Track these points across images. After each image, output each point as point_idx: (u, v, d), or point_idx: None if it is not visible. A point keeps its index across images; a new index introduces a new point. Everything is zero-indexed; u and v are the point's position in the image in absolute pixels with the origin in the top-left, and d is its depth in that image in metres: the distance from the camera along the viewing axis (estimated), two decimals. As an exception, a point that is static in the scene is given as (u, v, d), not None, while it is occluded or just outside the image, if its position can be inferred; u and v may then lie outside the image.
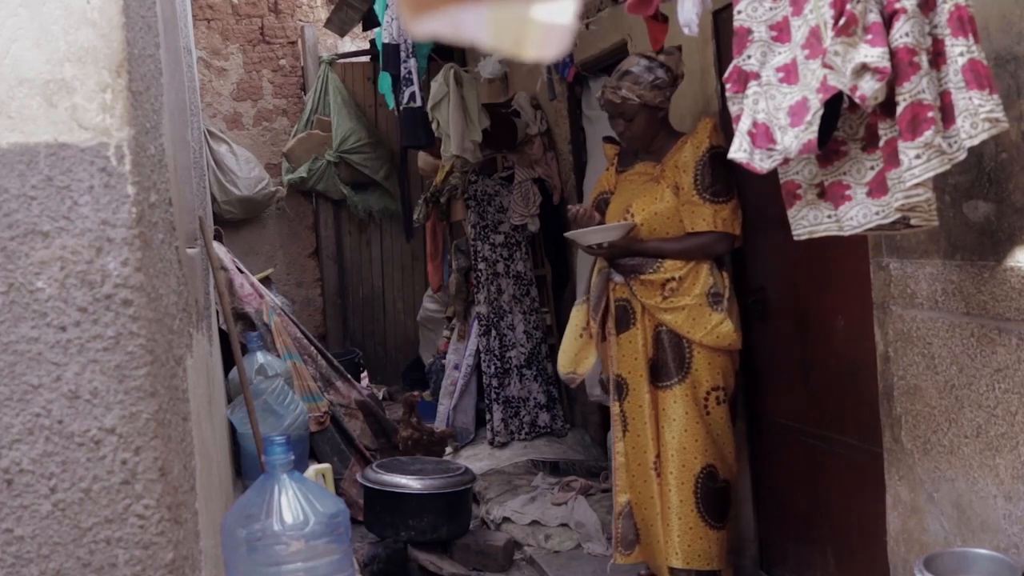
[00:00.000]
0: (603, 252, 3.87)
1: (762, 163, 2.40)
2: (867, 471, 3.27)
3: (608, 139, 4.23)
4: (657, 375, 3.83)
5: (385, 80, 5.76)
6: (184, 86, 3.70)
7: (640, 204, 3.86)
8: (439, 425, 6.29)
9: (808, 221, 2.48)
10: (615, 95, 3.84)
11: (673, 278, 3.75)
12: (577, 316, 4.05)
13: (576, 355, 4.03)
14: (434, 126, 6.08)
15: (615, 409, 3.98)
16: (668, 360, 3.79)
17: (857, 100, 2.16)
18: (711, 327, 3.72)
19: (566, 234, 3.73)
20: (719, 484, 3.82)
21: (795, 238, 2.51)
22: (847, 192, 2.38)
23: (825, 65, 2.20)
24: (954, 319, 2.66)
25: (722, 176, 3.75)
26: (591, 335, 3.99)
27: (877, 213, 2.31)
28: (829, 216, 2.43)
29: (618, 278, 3.90)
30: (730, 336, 3.75)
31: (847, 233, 2.40)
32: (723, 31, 3.85)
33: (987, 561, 2.46)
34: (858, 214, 2.36)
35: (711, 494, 3.79)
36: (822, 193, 2.45)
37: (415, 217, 7.01)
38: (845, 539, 3.53)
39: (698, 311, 3.73)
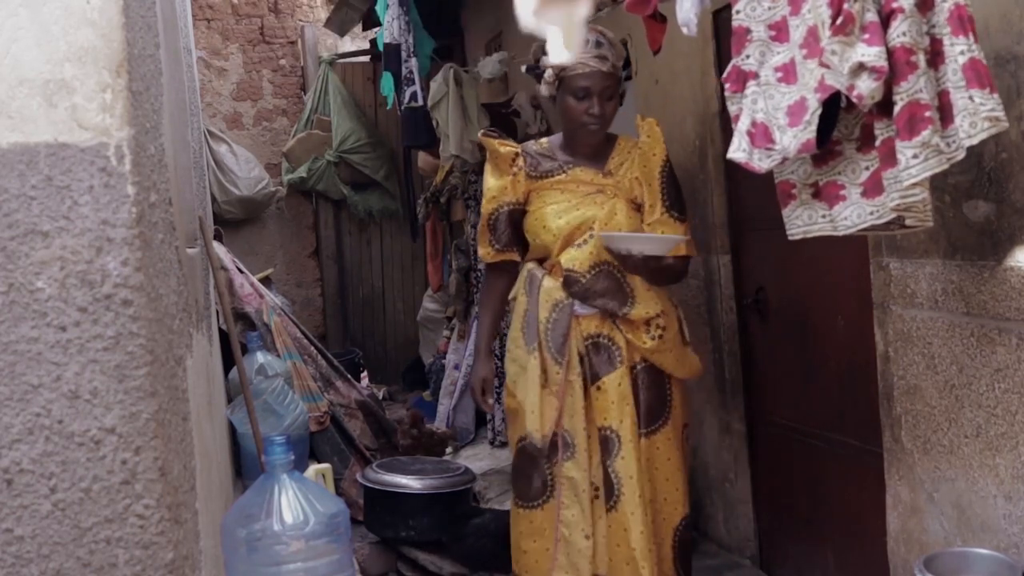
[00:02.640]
0: (635, 266, 3.13)
1: (760, 163, 2.40)
2: (867, 471, 3.27)
3: (490, 133, 3.42)
4: (644, 420, 3.21)
5: (388, 80, 5.77)
6: (184, 86, 3.70)
7: (602, 221, 3.20)
8: (439, 425, 6.29)
9: (803, 221, 2.48)
10: (604, 63, 3.16)
11: (657, 315, 3.19)
12: (534, 368, 3.16)
13: (545, 414, 3.17)
14: (435, 125, 6.09)
15: (583, 476, 3.17)
16: (652, 400, 3.22)
17: (854, 99, 2.15)
18: (688, 360, 3.32)
19: (603, 234, 3.10)
20: (689, 534, 3.46)
21: (789, 238, 2.51)
22: (841, 192, 2.38)
23: (822, 64, 2.20)
24: (954, 319, 2.66)
25: (679, 190, 3.31)
26: (544, 384, 3.18)
27: (872, 213, 2.31)
28: (823, 216, 2.43)
29: (585, 309, 3.19)
30: (698, 365, 3.39)
31: (841, 233, 2.40)
32: (723, 31, 3.85)
33: (987, 561, 2.46)
34: (852, 214, 2.36)
35: (685, 547, 3.40)
36: (816, 193, 2.44)
37: (418, 215, 7.02)
38: (845, 539, 3.53)
39: (680, 348, 3.28)
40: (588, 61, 3.12)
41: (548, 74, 3.20)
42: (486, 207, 3.34)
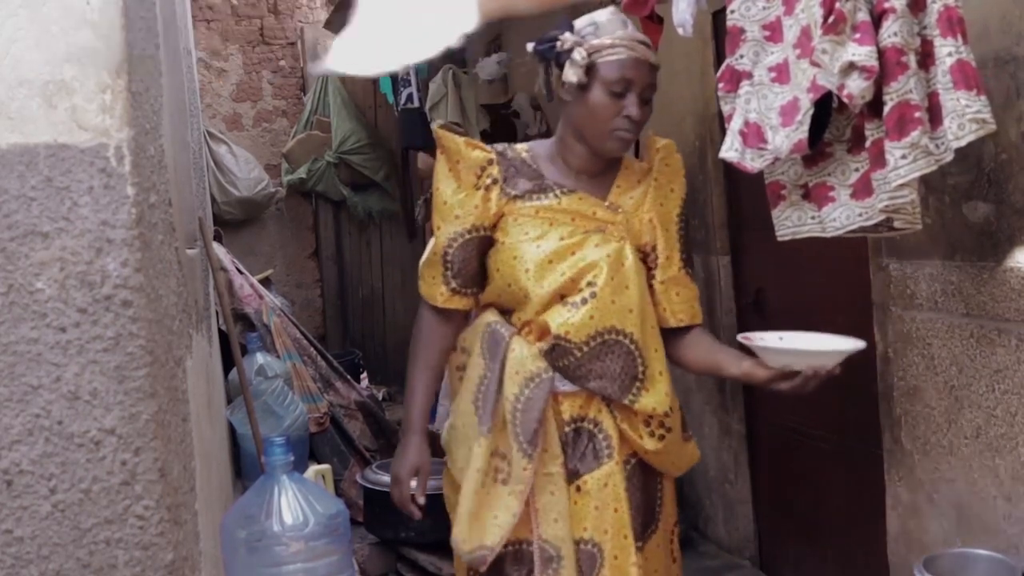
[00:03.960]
0: (794, 388, 2.22)
1: (753, 162, 2.41)
2: (867, 472, 3.27)
3: (452, 127, 2.67)
4: (636, 531, 2.37)
5: (386, 80, 5.78)
6: (184, 87, 3.71)
7: (613, 275, 2.32)
8: (439, 427, 6.29)
9: (792, 222, 2.49)
10: (650, 52, 2.36)
11: (666, 413, 2.37)
12: (479, 455, 2.34)
13: (480, 518, 2.35)
14: (434, 127, 6.10)
15: None
16: (643, 503, 2.42)
17: (845, 99, 2.15)
18: (687, 455, 2.52)
19: (753, 343, 2.23)
20: None
21: (779, 239, 2.52)
22: (831, 193, 2.38)
23: (813, 63, 2.20)
24: (953, 320, 2.66)
25: (690, 237, 2.56)
26: (503, 480, 2.33)
27: (860, 215, 2.31)
28: (812, 217, 2.44)
29: (568, 386, 2.35)
30: (697, 454, 2.57)
31: (829, 235, 2.40)
32: (722, 32, 3.83)
33: (987, 562, 2.46)
34: (841, 215, 2.36)
35: None
36: (806, 194, 2.45)
37: (416, 216, 7.01)
38: (845, 540, 3.53)
39: (680, 446, 2.47)
40: (634, 46, 2.32)
41: (579, 55, 2.31)
42: (442, 231, 2.40)
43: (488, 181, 2.39)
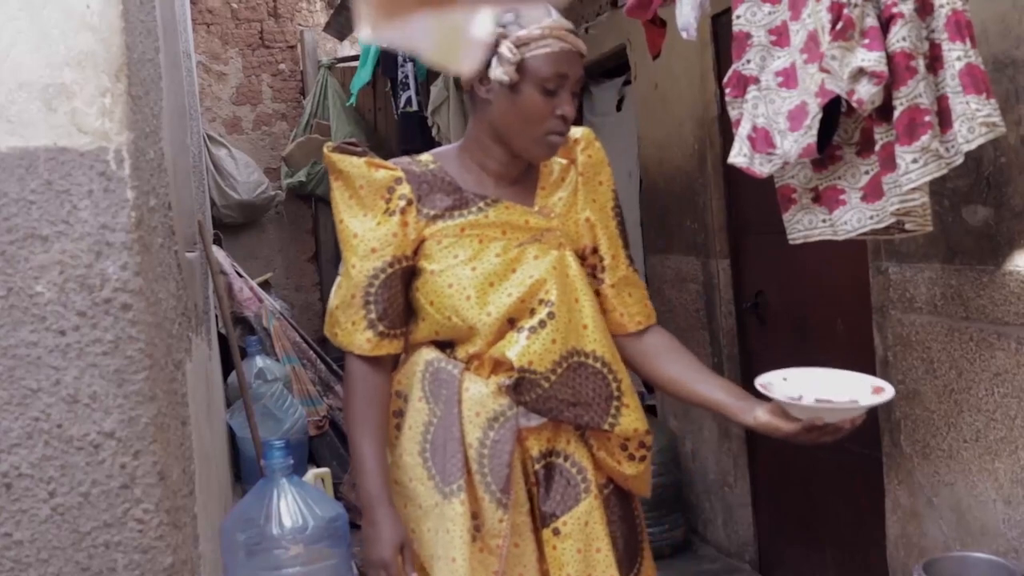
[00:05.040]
0: (824, 439, 1.97)
1: (762, 167, 2.41)
2: (866, 475, 3.27)
3: (346, 146, 2.15)
4: (623, 566, 2.13)
5: (359, 78, 5.76)
6: (183, 90, 3.71)
7: (562, 288, 2.06)
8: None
9: (803, 225, 2.49)
10: (579, 42, 2.05)
11: (647, 430, 2.13)
12: (458, 517, 1.98)
13: None
14: (434, 131, 6.10)
15: None
16: (627, 534, 2.19)
17: (855, 104, 2.16)
18: (649, 472, 2.23)
19: (784, 401, 1.95)
20: None
21: (790, 242, 2.52)
22: (841, 196, 2.39)
23: (822, 69, 2.20)
24: (953, 323, 2.66)
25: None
26: (489, 541, 2.02)
27: (871, 217, 2.32)
28: (824, 220, 2.44)
29: (532, 420, 2.05)
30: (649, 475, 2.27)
31: (841, 237, 2.40)
32: (722, 35, 3.86)
33: (986, 565, 2.46)
34: (852, 218, 2.36)
35: None
36: (817, 197, 2.45)
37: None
38: (844, 543, 3.53)
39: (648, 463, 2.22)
40: (565, 35, 2.01)
41: (507, 49, 1.97)
42: (358, 269, 2.06)
43: (401, 203, 2.05)
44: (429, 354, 2.07)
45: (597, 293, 2.15)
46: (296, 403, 5.15)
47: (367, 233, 2.06)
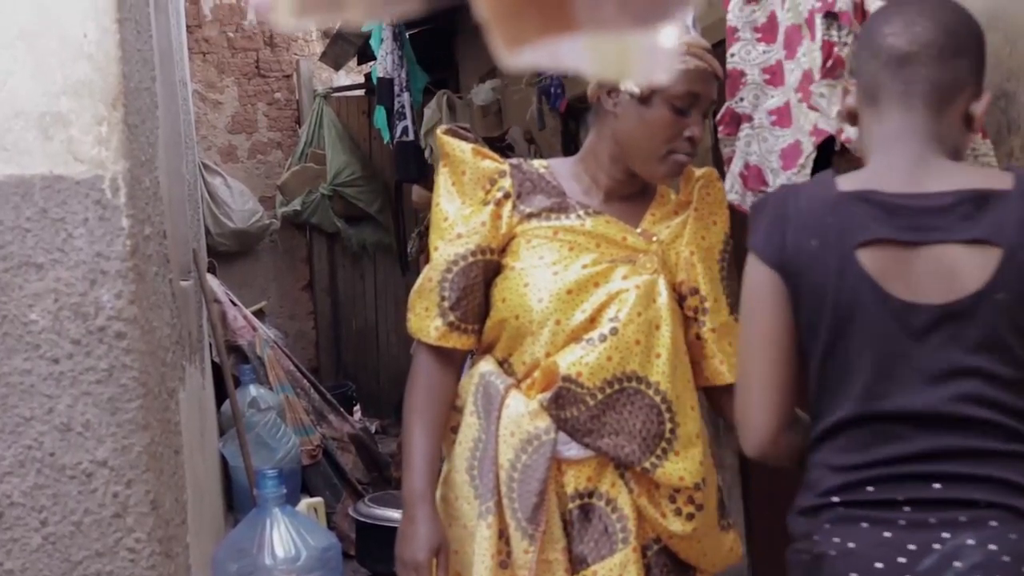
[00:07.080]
0: None
1: (753, 205, 2.43)
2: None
3: (458, 130, 2.09)
4: None
5: (381, 113, 5.80)
6: (179, 119, 3.72)
7: (635, 307, 1.90)
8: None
9: None
10: (716, 63, 1.97)
11: (698, 484, 1.95)
12: (485, 539, 1.87)
13: None
14: (427, 153, 6.13)
15: None
16: None
17: (844, 143, 2.17)
18: (725, 550, 2.07)
19: None
20: None
21: None
22: None
23: (811, 107, 2.22)
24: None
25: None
26: (502, 563, 1.88)
27: None
28: None
29: (575, 450, 1.89)
30: (738, 551, 2.12)
31: None
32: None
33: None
34: None
35: None
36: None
37: (408, 250, 7.03)
38: (839, 574, 3.51)
39: (715, 533, 2.04)
40: (703, 54, 1.92)
41: None
42: (440, 252, 1.99)
43: (499, 195, 1.97)
44: (484, 367, 1.95)
45: (697, 337, 2.00)
46: (289, 432, 5.14)
47: (457, 218, 1.99)
